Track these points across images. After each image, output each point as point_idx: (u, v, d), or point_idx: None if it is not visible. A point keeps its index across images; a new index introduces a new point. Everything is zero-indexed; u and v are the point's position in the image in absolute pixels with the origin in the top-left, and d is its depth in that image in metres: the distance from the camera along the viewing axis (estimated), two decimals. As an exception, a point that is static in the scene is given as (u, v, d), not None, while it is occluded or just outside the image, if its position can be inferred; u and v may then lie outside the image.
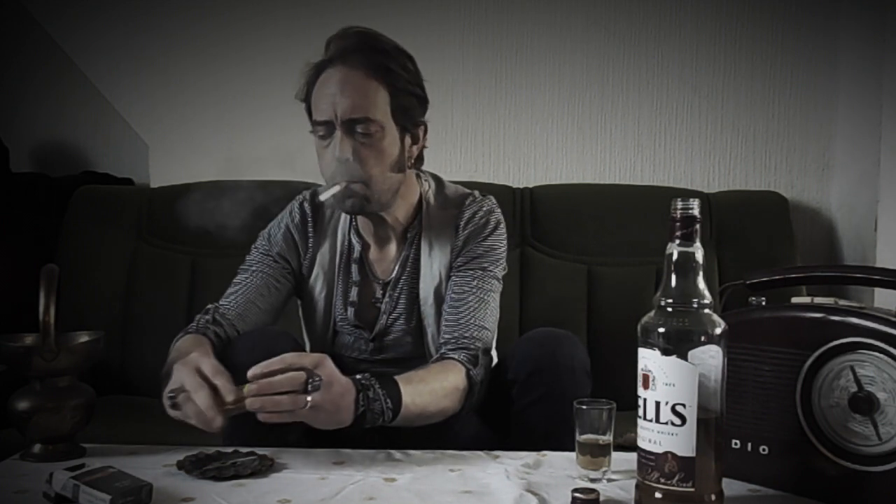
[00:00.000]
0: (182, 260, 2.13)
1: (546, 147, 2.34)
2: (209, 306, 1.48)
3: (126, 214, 2.20)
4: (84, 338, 1.22)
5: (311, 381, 1.11)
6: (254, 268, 1.51)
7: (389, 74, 1.38)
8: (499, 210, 1.51)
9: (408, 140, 1.42)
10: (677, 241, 0.91)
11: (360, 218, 1.48)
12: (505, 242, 1.50)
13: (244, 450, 1.14)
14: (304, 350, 1.39)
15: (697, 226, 0.92)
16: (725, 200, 2.17)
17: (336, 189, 1.32)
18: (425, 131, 1.45)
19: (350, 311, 1.48)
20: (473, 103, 2.33)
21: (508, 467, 1.11)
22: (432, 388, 1.28)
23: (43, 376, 1.15)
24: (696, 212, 0.92)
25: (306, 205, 1.53)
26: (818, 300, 1.04)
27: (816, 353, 0.98)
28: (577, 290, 2.05)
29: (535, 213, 2.11)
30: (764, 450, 1.02)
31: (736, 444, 1.03)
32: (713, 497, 0.90)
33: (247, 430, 1.25)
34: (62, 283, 1.20)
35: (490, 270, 1.45)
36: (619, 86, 2.32)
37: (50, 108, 2.58)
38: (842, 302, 1.04)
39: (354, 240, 1.49)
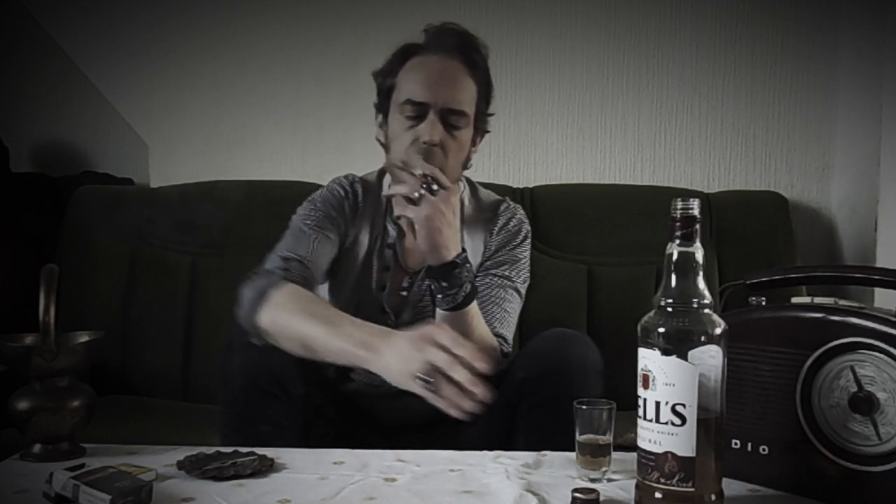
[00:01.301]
0: (182, 260, 2.13)
1: (546, 147, 2.34)
2: (285, 253, 1.43)
3: (126, 214, 2.19)
4: (84, 338, 1.22)
5: (430, 184, 1.28)
6: (309, 228, 1.47)
7: (480, 75, 1.46)
8: (528, 222, 1.57)
9: (473, 146, 1.49)
10: (677, 241, 0.91)
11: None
12: (529, 254, 1.55)
13: (244, 450, 1.14)
14: None
15: (697, 226, 0.92)
16: (725, 200, 2.17)
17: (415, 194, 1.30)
18: (482, 137, 1.52)
19: (380, 295, 1.49)
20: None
21: (508, 467, 1.11)
22: (487, 334, 1.39)
23: (43, 376, 1.15)
24: (696, 212, 0.92)
25: (358, 186, 1.54)
26: (818, 300, 1.04)
27: (816, 353, 0.98)
28: (577, 290, 2.05)
29: (535, 213, 2.11)
30: (764, 450, 1.02)
31: (736, 444, 1.03)
32: (713, 497, 0.90)
33: (244, 431, 1.25)
34: (62, 283, 1.20)
35: (513, 281, 1.49)
36: (619, 86, 2.32)
37: (50, 108, 2.58)
38: (842, 302, 1.03)
39: (390, 226, 1.52)
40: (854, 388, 0.96)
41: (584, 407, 1.11)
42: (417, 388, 1.10)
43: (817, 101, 2.27)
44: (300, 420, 1.32)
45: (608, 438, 1.10)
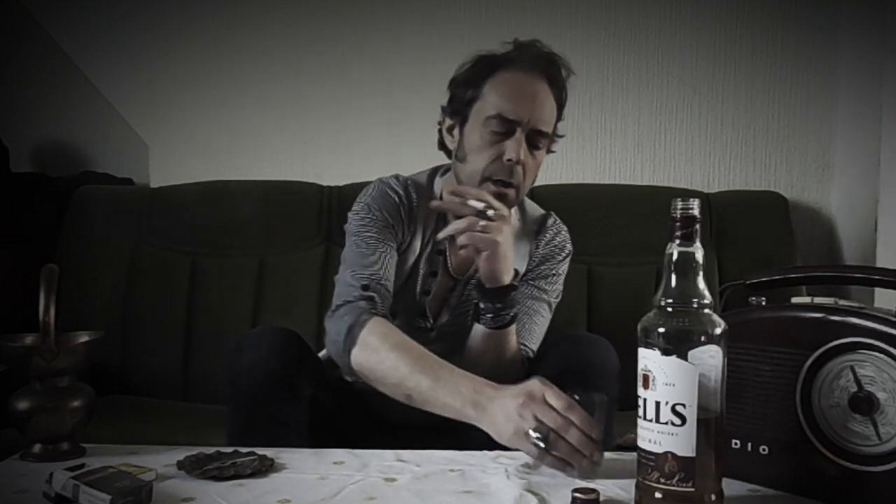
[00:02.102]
0: (182, 260, 2.13)
1: (546, 147, 2.34)
2: (363, 279, 1.37)
3: (126, 214, 2.20)
4: (84, 338, 1.21)
5: (486, 211, 1.29)
6: (372, 240, 1.42)
7: (563, 100, 1.46)
8: (570, 241, 1.59)
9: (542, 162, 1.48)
10: (677, 241, 0.91)
11: (429, 208, 1.48)
12: (566, 272, 1.57)
13: (244, 450, 1.14)
14: (307, 346, 1.39)
15: (697, 226, 0.92)
16: (725, 200, 2.17)
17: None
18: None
19: (424, 299, 1.49)
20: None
21: (508, 467, 1.11)
22: (517, 347, 1.41)
23: (43, 376, 1.15)
24: (696, 212, 0.91)
25: (411, 187, 1.49)
26: (818, 300, 1.04)
27: (816, 353, 0.97)
28: (577, 290, 2.05)
29: (535, 213, 2.12)
30: (764, 450, 1.01)
31: (736, 444, 1.03)
32: (713, 497, 0.90)
33: (250, 431, 1.26)
34: (62, 283, 1.20)
35: (548, 295, 1.51)
36: (619, 86, 2.32)
37: (50, 108, 2.57)
38: (842, 302, 1.03)
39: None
40: (854, 388, 0.96)
41: (577, 398, 1.10)
42: (526, 447, 1.09)
43: (817, 101, 2.27)
44: (306, 420, 1.32)
45: (599, 431, 1.09)
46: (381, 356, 1.26)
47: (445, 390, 1.19)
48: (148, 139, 2.43)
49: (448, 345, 1.48)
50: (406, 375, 1.23)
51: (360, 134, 2.35)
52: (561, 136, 1.49)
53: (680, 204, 0.91)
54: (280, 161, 2.37)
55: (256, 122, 2.39)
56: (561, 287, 1.56)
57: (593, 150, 2.33)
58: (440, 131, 1.50)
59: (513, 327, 1.39)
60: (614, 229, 2.11)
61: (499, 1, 2.33)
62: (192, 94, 2.40)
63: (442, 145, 1.51)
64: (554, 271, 1.54)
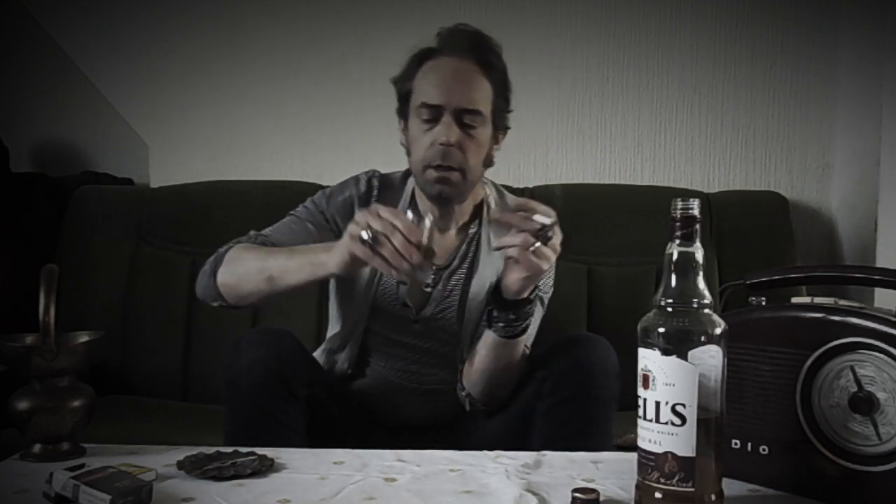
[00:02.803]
0: (182, 260, 2.13)
1: (546, 147, 2.34)
2: (251, 232, 1.48)
3: (126, 214, 2.20)
4: (84, 338, 1.21)
5: (546, 231, 1.22)
6: (303, 217, 1.51)
7: (495, 74, 1.46)
8: None
9: (494, 143, 1.49)
10: (677, 241, 0.91)
11: (423, 202, 1.49)
12: (555, 266, 1.52)
13: (244, 450, 1.14)
14: (303, 347, 1.39)
15: (697, 226, 0.92)
16: (725, 200, 2.17)
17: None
18: (504, 134, 1.52)
19: (402, 288, 1.49)
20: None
21: (508, 467, 1.11)
22: (521, 354, 1.40)
23: (43, 376, 1.15)
24: (696, 212, 0.91)
25: (375, 180, 1.54)
26: (818, 300, 1.04)
27: (816, 353, 0.97)
28: (578, 290, 2.05)
29: (535, 213, 2.12)
30: (764, 450, 1.02)
31: (736, 444, 1.03)
32: (713, 497, 0.90)
33: (256, 431, 1.26)
34: (62, 283, 1.20)
35: (539, 291, 1.48)
36: (619, 86, 2.32)
37: (50, 108, 2.57)
38: (842, 302, 1.03)
39: (412, 219, 1.51)
40: (854, 388, 0.96)
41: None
42: (358, 247, 1.18)
43: (817, 101, 2.27)
44: (304, 420, 1.32)
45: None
46: (243, 258, 1.38)
47: (301, 255, 1.32)
48: (148, 139, 2.43)
49: (434, 341, 1.48)
50: (265, 262, 1.34)
51: (360, 134, 2.35)
52: (509, 112, 1.50)
53: (680, 204, 0.91)
54: (280, 161, 2.37)
55: (256, 122, 2.39)
56: (551, 282, 1.54)
57: (593, 150, 2.33)
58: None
59: (523, 337, 1.38)
60: (614, 229, 2.11)
61: (498, 2, 2.32)
62: (192, 94, 2.40)
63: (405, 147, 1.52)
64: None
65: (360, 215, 1.20)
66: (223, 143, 2.40)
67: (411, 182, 1.53)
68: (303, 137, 2.38)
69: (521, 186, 2.20)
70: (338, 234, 1.48)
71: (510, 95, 1.50)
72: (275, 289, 1.33)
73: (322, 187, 2.19)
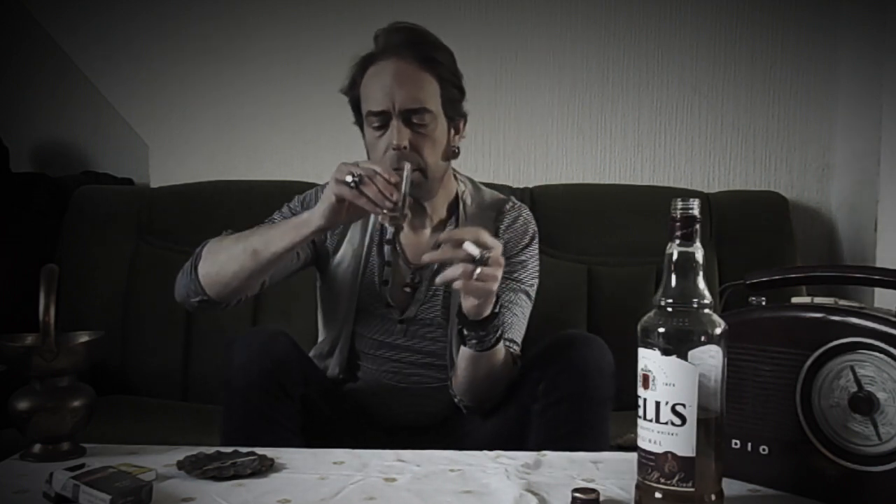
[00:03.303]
0: (182, 260, 2.11)
1: (546, 147, 2.34)
2: (225, 232, 1.47)
3: (126, 214, 2.20)
4: (84, 338, 1.21)
5: (483, 254, 1.20)
6: (278, 219, 1.51)
7: (438, 67, 1.44)
8: (534, 221, 1.56)
9: (452, 130, 1.49)
10: (677, 241, 0.91)
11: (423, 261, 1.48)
12: (537, 255, 1.54)
13: (244, 450, 1.14)
14: (298, 347, 1.39)
15: (697, 226, 0.92)
16: (725, 200, 2.17)
17: (408, 169, 1.33)
18: (465, 122, 1.52)
19: (384, 290, 1.50)
20: (473, 103, 2.31)
21: (508, 467, 1.11)
22: (505, 353, 1.38)
23: (43, 376, 1.15)
24: (696, 212, 0.91)
25: None
26: (818, 300, 1.04)
27: (816, 353, 0.97)
28: (577, 290, 2.05)
29: (535, 213, 2.10)
30: (764, 450, 1.02)
31: (736, 444, 1.03)
32: (713, 497, 0.90)
33: (251, 430, 1.26)
34: (62, 283, 1.20)
35: (522, 283, 1.49)
36: (619, 86, 2.32)
37: (50, 108, 2.58)
38: (842, 302, 1.03)
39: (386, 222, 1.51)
40: (854, 388, 0.96)
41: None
42: (342, 189, 1.24)
43: (817, 101, 2.28)
44: (299, 420, 1.32)
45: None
46: (222, 245, 1.39)
47: (282, 224, 1.36)
48: (148, 139, 2.43)
49: (421, 339, 1.48)
50: (247, 240, 1.36)
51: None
52: (462, 100, 1.49)
53: (680, 204, 0.91)
54: (280, 161, 2.37)
55: (256, 122, 2.39)
56: (535, 272, 1.52)
57: (593, 150, 2.33)
58: None
59: (500, 346, 1.35)
60: (614, 229, 2.11)
61: (498, 2, 2.33)
62: (192, 94, 2.40)
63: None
64: (523, 257, 1.51)
65: (341, 165, 1.26)
66: (223, 143, 2.40)
67: None
68: (303, 137, 2.38)
69: (521, 186, 2.20)
70: (313, 242, 1.50)
71: (461, 83, 1.49)
72: (260, 262, 1.33)
73: (322, 187, 2.21)
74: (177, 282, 1.44)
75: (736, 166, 2.31)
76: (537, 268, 1.53)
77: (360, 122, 1.49)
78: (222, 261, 1.37)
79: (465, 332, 1.31)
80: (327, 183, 1.53)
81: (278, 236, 1.33)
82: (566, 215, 2.13)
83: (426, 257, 1.26)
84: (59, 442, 1.16)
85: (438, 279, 1.26)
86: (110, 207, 2.22)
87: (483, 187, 1.60)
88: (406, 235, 1.52)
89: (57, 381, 1.16)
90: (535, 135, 2.34)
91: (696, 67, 2.30)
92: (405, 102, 1.39)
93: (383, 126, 1.41)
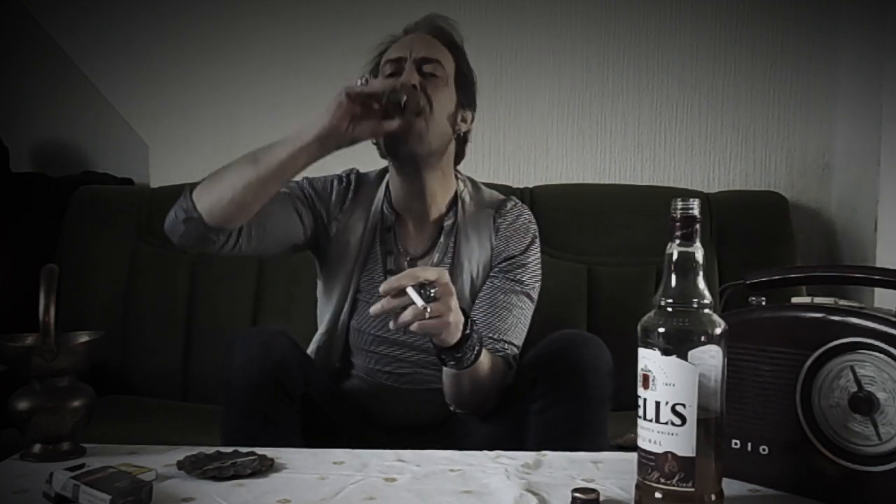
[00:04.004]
0: (182, 260, 2.13)
1: (546, 147, 2.34)
2: None
3: (126, 214, 2.20)
4: (84, 338, 1.21)
5: (427, 291, 1.18)
6: (282, 193, 1.48)
7: (456, 49, 1.51)
8: (535, 223, 1.57)
9: (460, 113, 1.51)
10: (677, 241, 0.91)
11: (398, 191, 1.52)
12: (539, 257, 1.54)
13: (244, 450, 1.14)
14: (298, 347, 1.39)
15: (697, 226, 0.92)
16: (725, 200, 2.17)
17: (403, 98, 1.36)
18: (472, 118, 1.55)
19: (387, 278, 1.48)
20: (473, 103, 2.34)
21: (508, 467, 1.11)
22: (493, 361, 1.35)
23: (43, 376, 1.15)
24: (696, 212, 0.91)
25: (353, 176, 1.58)
26: (818, 300, 1.04)
27: (816, 353, 0.97)
28: (577, 290, 2.05)
29: (535, 213, 2.10)
30: (764, 450, 1.02)
31: (736, 444, 1.03)
32: (713, 497, 0.90)
33: (251, 430, 1.26)
34: (62, 283, 1.20)
35: (524, 285, 1.49)
36: (619, 86, 2.32)
37: (50, 108, 2.58)
38: (842, 302, 1.03)
39: (387, 211, 1.53)
40: (854, 388, 0.96)
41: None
42: (356, 88, 1.31)
43: (817, 101, 2.27)
44: (299, 420, 1.32)
45: None
46: (220, 168, 1.37)
47: (284, 141, 1.35)
48: (148, 139, 2.43)
49: (419, 336, 1.48)
50: (245, 159, 1.36)
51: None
52: (471, 84, 1.53)
53: (680, 204, 0.91)
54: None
55: (256, 122, 2.38)
56: (537, 274, 1.52)
57: (593, 150, 2.33)
58: None
59: (483, 360, 1.31)
60: (614, 229, 2.11)
61: (499, 1, 2.32)
62: (192, 94, 2.40)
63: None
64: (524, 260, 1.51)
65: (347, 86, 1.31)
66: (223, 143, 2.39)
67: (386, 179, 1.56)
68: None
69: (521, 186, 2.20)
70: (315, 215, 1.52)
71: (474, 78, 1.54)
72: (260, 172, 1.32)
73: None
74: (168, 216, 1.38)
75: (736, 166, 2.31)
76: (539, 269, 1.53)
77: None
78: (220, 174, 1.36)
79: (442, 357, 1.28)
80: (339, 174, 1.58)
81: (280, 144, 1.34)
82: (566, 215, 2.13)
83: (372, 310, 1.21)
84: (59, 442, 1.16)
85: (392, 326, 1.21)
86: (110, 207, 2.23)
87: (483, 187, 1.61)
88: (406, 230, 1.53)
89: (57, 381, 1.16)
90: (535, 135, 2.34)
91: (696, 67, 2.30)
92: (420, 51, 1.46)
93: (396, 73, 1.45)
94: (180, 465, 1.09)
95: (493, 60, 2.32)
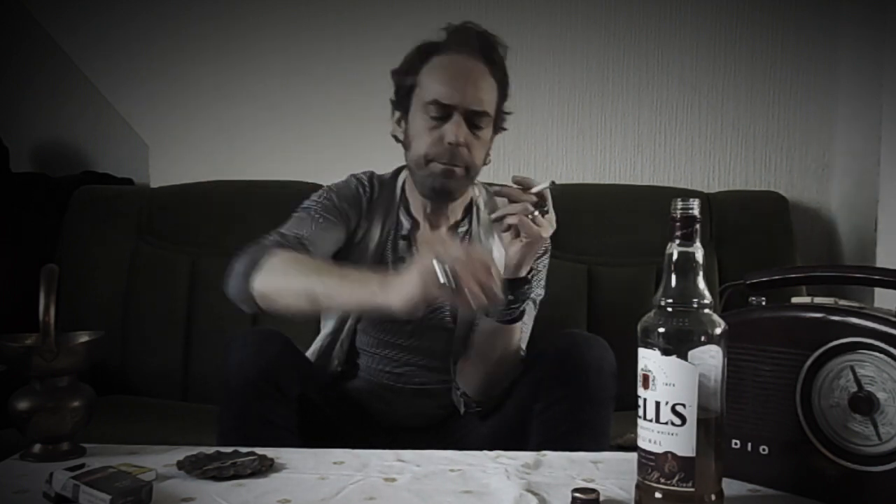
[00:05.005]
0: (182, 260, 2.13)
1: (546, 147, 2.34)
2: (284, 232, 1.41)
3: (126, 214, 2.20)
4: (84, 338, 1.21)
5: (543, 202, 1.29)
6: (319, 211, 1.47)
7: (499, 73, 1.47)
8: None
9: (494, 137, 1.51)
10: (677, 241, 0.91)
11: (416, 199, 1.52)
12: (548, 264, 1.56)
13: (244, 450, 1.14)
14: (294, 347, 1.39)
15: (697, 226, 0.92)
16: (725, 200, 2.17)
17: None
18: (495, 135, 1.53)
19: None
20: (473, 103, 2.34)
21: (508, 467, 1.11)
22: (517, 336, 1.40)
23: (43, 376, 1.15)
24: (696, 212, 0.91)
25: (375, 180, 1.56)
26: (818, 300, 1.04)
27: (816, 353, 0.97)
28: (577, 290, 2.05)
29: (535, 213, 2.12)
30: (764, 450, 1.02)
31: (736, 444, 1.03)
32: (713, 497, 0.90)
33: (246, 430, 1.26)
34: (62, 283, 1.20)
35: (531, 293, 1.48)
36: (619, 86, 2.32)
37: (50, 108, 2.58)
38: (842, 302, 1.03)
39: (403, 218, 1.53)
40: (854, 388, 0.96)
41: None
42: (437, 292, 1.11)
43: (817, 101, 2.27)
44: (296, 420, 1.32)
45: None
46: (286, 270, 1.29)
47: (352, 282, 1.23)
48: (148, 139, 2.43)
49: (427, 340, 1.49)
50: (311, 281, 1.25)
51: (360, 133, 2.35)
52: (508, 114, 1.51)
53: (680, 204, 0.91)
54: (280, 160, 2.37)
55: (256, 122, 2.39)
56: (544, 282, 1.55)
57: (593, 150, 2.33)
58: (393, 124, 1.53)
59: (519, 324, 1.38)
60: (614, 229, 2.11)
61: (499, 1, 2.32)
62: (192, 94, 2.40)
63: (396, 138, 1.53)
64: (535, 267, 1.51)
65: (425, 251, 1.19)
66: (223, 143, 2.40)
67: (401, 180, 1.55)
68: (302, 137, 2.38)
69: (521, 186, 2.20)
70: (349, 229, 1.49)
71: (508, 96, 1.52)
72: (316, 308, 1.30)
73: (320, 187, 2.20)
74: (229, 281, 1.36)
75: (736, 166, 2.31)
76: (545, 278, 1.55)
77: (403, 105, 1.49)
78: (280, 289, 1.29)
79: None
80: (358, 177, 1.54)
81: (344, 294, 1.24)
82: (566, 215, 2.11)
83: (500, 190, 1.31)
84: (59, 442, 1.16)
85: (494, 214, 1.30)
86: (110, 207, 2.22)
87: (498, 200, 1.60)
88: (420, 232, 1.53)
89: (57, 381, 1.16)
90: (534, 135, 2.34)
91: (696, 67, 2.30)
92: (472, 103, 1.42)
93: (442, 119, 1.42)
94: (180, 465, 1.09)
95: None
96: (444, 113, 1.41)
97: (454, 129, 1.40)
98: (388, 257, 1.51)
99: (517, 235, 1.31)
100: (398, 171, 1.58)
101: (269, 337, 1.34)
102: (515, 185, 1.31)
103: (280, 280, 1.29)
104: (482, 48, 1.45)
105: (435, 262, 1.11)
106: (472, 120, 1.42)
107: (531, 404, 1.33)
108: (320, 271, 1.28)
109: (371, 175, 1.57)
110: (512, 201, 1.31)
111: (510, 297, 1.34)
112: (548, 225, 1.31)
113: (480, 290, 1.11)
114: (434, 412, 1.48)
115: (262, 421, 1.28)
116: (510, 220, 1.29)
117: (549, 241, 1.55)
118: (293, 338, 1.40)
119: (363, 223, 1.52)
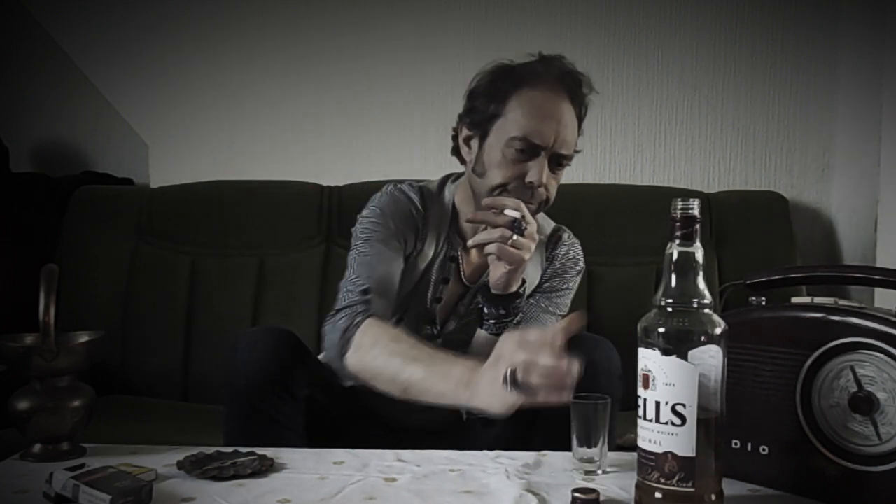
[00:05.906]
0: (182, 260, 2.13)
1: (546, 147, 2.34)
2: (368, 284, 1.38)
3: (126, 214, 2.20)
4: (84, 338, 1.21)
5: (520, 224, 1.29)
6: (379, 239, 1.43)
7: (582, 116, 1.45)
8: (583, 256, 1.59)
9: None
10: (677, 241, 0.91)
11: (469, 227, 1.47)
12: (577, 286, 1.57)
13: (244, 450, 1.14)
14: (304, 346, 1.39)
15: (697, 226, 0.92)
16: (725, 200, 2.17)
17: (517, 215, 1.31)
18: None
19: (436, 306, 1.49)
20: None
21: (508, 467, 1.11)
22: None
23: (43, 376, 1.15)
24: (696, 212, 0.91)
25: (425, 194, 1.50)
26: (818, 300, 1.04)
27: (816, 353, 0.98)
28: (578, 291, 2.04)
29: (535, 213, 2.12)
30: (764, 450, 1.02)
31: (736, 444, 1.03)
32: (713, 497, 0.90)
33: (246, 430, 1.26)
34: (62, 283, 1.20)
35: (558, 308, 1.52)
36: (619, 86, 2.32)
37: (50, 108, 2.58)
38: (842, 302, 1.03)
39: (455, 238, 1.50)
40: (854, 388, 0.96)
41: (578, 401, 1.10)
42: (519, 399, 1.08)
43: (817, 101, 2.27)
44: (303, 420, 1.32)
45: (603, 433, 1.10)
46: (375, 353, 1.29)
47: (438, 377, 1.21)
48: (148, 139, 2.43)
49: (453, 352, 1.48)
50: (400, 368, 1.25)
51: (360, 134, 2.35)
52: (578, 151, 1.47)
53: (680, 204, 0.91)
54: (280, 160, 2.37)
55: (256, 122, 2.39)
56: (569, 302, 1.56)
57: (593, 150, 2.33)
58: (455, 138, 1.49)
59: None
60: (614, 229, 2.11)
61: (499, 1, 2.32)
62: (192, 94, 2.40)
63: (456, 152, 1.49)
64: (567, 286, 1.54)
65: (504, 364, 1.09)
66: (222, 143, 2.40)
67: (449, 191, 1.51)
68: (303, 137, 2.38)
69: (521, 186, 2.20)
70: (406, 252, 1.46)
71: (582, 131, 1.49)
72: (403, 395, 1.27)
73: (322, 187, 2.21)
74: (326, 349, 1.37)
75: (736, 166, 2.31)
76: (570, 297, 1.56)
77: (480, 127, 1.42)
78: (372, 369, 1.29)
79: (486, 311, 1.34)
80: (402, 189, 1.48)
81: (434, 388, 1.22)
82: (566, 215, 2.12)
83: (471, 215, 1.32)
84: (59, 442, 1.16)
85: (471, 242, 1.30)
86: (110, 207, 2.23)
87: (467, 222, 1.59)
88: (468, 255, 1.50)
89: (57, 381, 1.16)
90: (535, 135, 2.33)
91: (696, 67, 2.30)
92: (562, 146, 1.39)
93: (527, 156, 1.38)
94: (180, 465, 1.09)
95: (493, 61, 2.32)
96: (531, 151, 1.38)
97: (539, 170, 1.37)
98: (433, 276, 1.49)
99: (500, 259, 1.31)
100: (443, 181, 1.54)
101: (278, 336, 1.33)
102: (489, 208, 1.30)
103: (371, 364, 1.29)
104: (572, 86, 1.42)
105: (506, 385, 1.08)
106: (555, 161, 1.40)
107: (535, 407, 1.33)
108: (406, 357, 1.26)
109: (419, 189, 1.50)
110: (488, 224, 1.31)
111: (501, 312, 1.34)
112: (529, 242, 1.30)
113: (556, 389, 1.06)
114: (442, 417, 1.48)
115: (269, 421, 1.27)
116: (489, 249, 1.29)
117: (583, 260, 1.57)
118: (302, 336, 1.40)
119: (418, 244, 1.48)
